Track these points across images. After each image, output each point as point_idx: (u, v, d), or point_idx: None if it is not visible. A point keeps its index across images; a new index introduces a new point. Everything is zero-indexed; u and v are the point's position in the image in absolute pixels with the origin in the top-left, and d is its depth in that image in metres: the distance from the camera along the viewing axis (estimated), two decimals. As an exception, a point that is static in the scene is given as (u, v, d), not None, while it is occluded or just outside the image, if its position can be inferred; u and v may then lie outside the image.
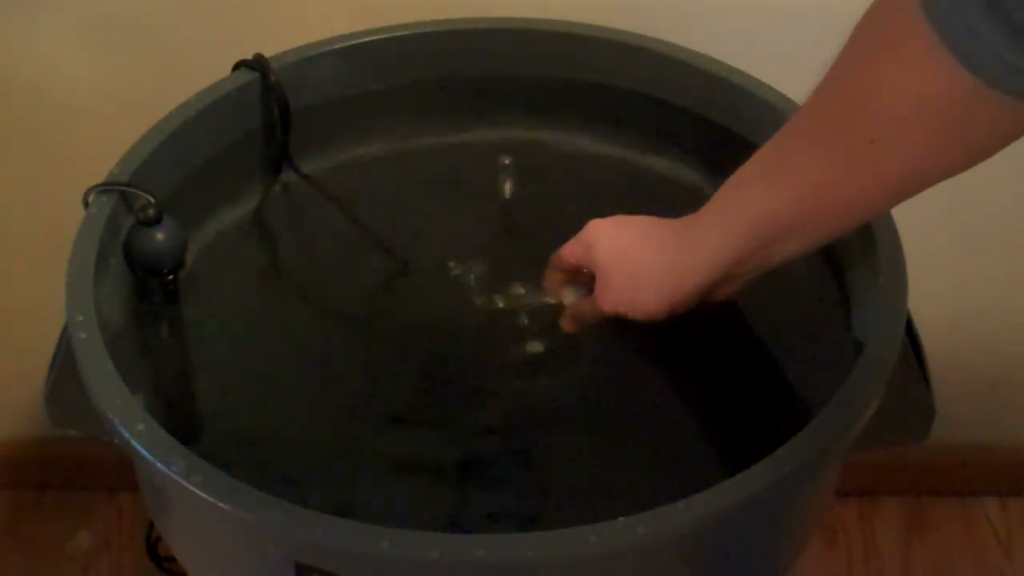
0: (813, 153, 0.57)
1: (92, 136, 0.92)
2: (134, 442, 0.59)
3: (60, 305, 0.66)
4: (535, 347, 0.73)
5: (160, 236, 0.73)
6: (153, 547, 1.16)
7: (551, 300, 0.73)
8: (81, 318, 0.65)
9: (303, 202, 0.84)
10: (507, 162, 0.80)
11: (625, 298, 0.68)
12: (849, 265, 0.74)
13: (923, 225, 0.79)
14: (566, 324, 0.73)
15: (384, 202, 0.83)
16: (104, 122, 0.95)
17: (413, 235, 0.81)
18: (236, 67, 0.83)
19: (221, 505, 0.56)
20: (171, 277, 0.74)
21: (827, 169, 0.56)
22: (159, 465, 0.58)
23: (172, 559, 1.10)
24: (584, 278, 0.72)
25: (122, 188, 0.73)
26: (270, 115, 0.84)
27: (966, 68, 0.47)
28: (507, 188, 0.80)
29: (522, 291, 0.74)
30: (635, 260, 0.68)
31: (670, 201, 0.84)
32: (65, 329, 0.67)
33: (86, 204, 0.72)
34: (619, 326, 0.70)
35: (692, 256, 0.65)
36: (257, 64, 0.82)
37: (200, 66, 0.82)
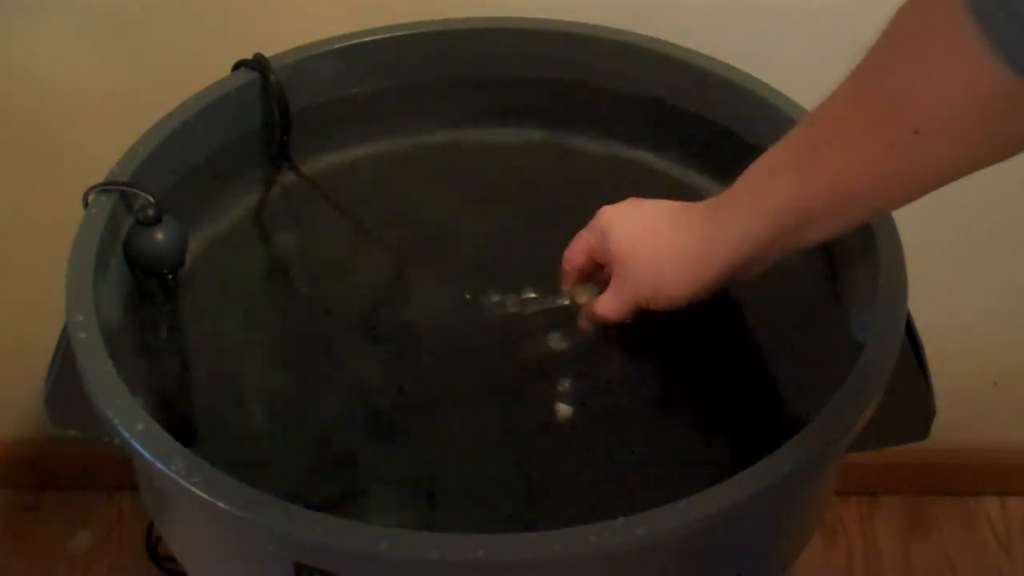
0: (851, 141, 0.56)
1: (92, 136, 0.92)
2: (134, 442, 0.59)
3: (60, 305, 0.66)
4: (537, 347, 0.73)
5: (160, 236, 0.73)
6: (153, 547, 1.16)
7: (565, 302, 0.72)
8: (81, 318, 0.65)
9: (303, 202, 0.84)
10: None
11: (646, 286, 0.66)
12: (849, 265, 0.74)
13: (923, 225, 0.79)
14: (583, 325, 0.72)
15: (383, 202, 0.83)
16: (104, 122, 0.95)
17: (413, 235, 0.81)
18: (236, 67, 0.83)
19: (221, 505, 0.56)
20: (171, 277, 0.74)
21: (865, 158, 0.55)
22: (159, 465, 0.58)
23: (172, 559, 1.10)
24: (600, 275, 0.71)
25: (122, 188, 0.73)
26: (270, 115, 0.84)
27: (1012, 69, 0.46)
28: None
29: (533, 295, 0.72)
30: (654, 246, 0.66)
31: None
32: (65, 329, 0.67)
33: (86, 204, 0.72)
34: (635, 319, 0.69)
35: (717, 242, 0.63)
36: (257, 64, 0.82)
37: (200, 66, 0.82)
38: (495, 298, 0.73)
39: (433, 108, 0.89)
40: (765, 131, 0.79)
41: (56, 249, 0.71)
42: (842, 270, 0.75)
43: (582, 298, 0.71)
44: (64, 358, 0.66)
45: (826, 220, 0.60)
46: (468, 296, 0.73)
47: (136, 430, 0.59)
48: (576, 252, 0.71)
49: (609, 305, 0.69)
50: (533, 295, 0.73)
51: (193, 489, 0.57)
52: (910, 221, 0.72)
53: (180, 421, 0.67)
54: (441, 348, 0.73)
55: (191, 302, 0.75)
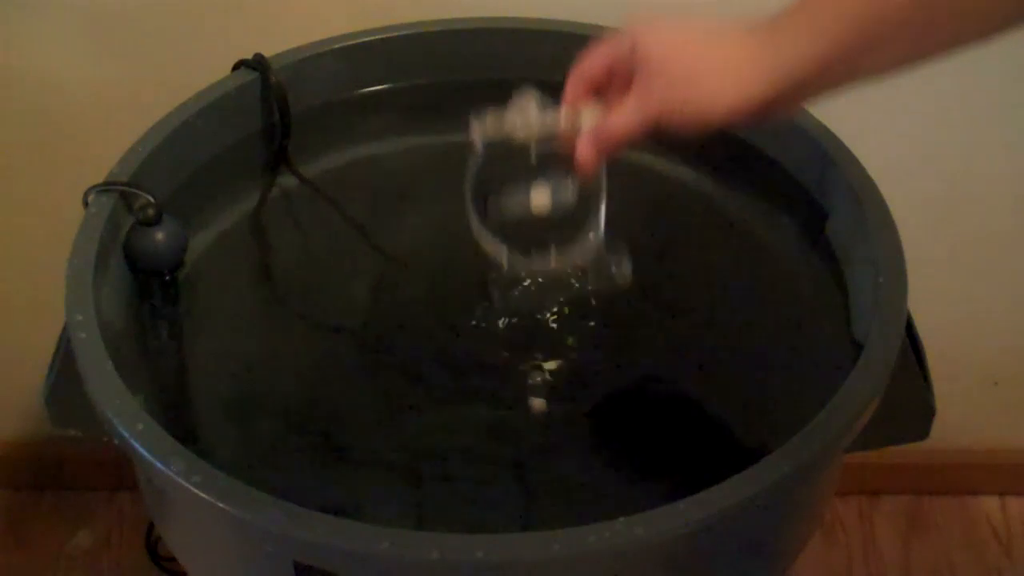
0: None
1: (92, 136, 0.92)
2: (134, 442, 0.59)
3: (60, 305, 0.66)
4: (534, 339, 0.73)
5: (160, 236, 0.73)
6: (153, 547, 1.16)
7: (564, 126, 0.64)
8: (81, 318, 0.65)
9: (302, 202, 0.84)
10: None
11: (677, 95, 0.59)
12: (849, 265, 0.74)
13: (923, 225, 0.79)
14: (583, 150, 0.63)
15: (383, 202, 0.83)
16: (104, 122, 0.95)
17: (412, 236, 0.81)
18: (236, 67, 0.83)
19: (221, 505, 0.56)
20: (171, 277, 0.74)
21: None
22: (159, 465, 0.58)
23: (172, 559, 1.10)
24: (612, 94, 0.63)
25: (122, 188, 0.73)
26: (270, 115, 0.84)
27: None
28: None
29: (534, 107, 0.65)
30: (697, 50, 0.59)
31: (671, 200, 0.84)
32: (65, 329, 0.67)
33: (86, 204, 0.72)
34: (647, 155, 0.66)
35: (774, 54, 0.57)
36: (257, 64, 0.83)
37: (200, 66, 0.82)
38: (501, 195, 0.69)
39: (432, 108, 0.89)
40: (766, 131, 0.79)
41: (56, 249, 0.71)
42: (842, 270, 0.75)
43: (588, 121, 0.63)
44: (64, 358, 0.66)
45: (887, 47, 0.55)
46: (493, 274, 0.72)
47: (136, 430, 0.59)
48: (594, 59, 0.63)
49: (626, 116, 0.61)
50: (534, 107, 0.65)
51: (193, 489, 0.57)
52: (910, 222, 0.72)
53: (180, 421, 0.67)
54: (441, 345, 0.73)
55: (191, 302, 0.75)
